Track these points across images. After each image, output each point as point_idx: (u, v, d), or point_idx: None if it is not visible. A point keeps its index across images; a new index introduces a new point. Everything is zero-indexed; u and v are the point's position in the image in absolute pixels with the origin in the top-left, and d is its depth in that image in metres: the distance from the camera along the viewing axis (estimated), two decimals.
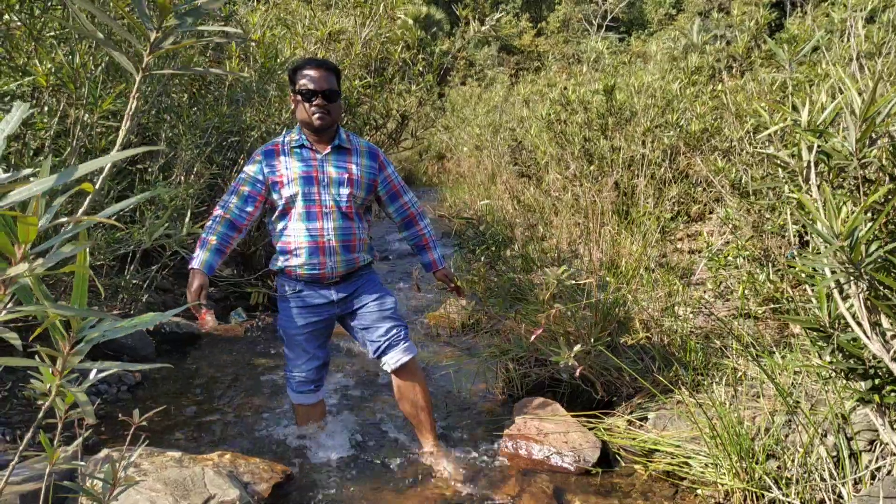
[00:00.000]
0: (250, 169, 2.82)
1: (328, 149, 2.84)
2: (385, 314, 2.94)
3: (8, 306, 0.80)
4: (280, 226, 2.85)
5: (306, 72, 2.74)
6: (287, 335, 2.96)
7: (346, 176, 2.83)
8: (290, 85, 2.84)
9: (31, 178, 0.71)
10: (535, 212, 6.60)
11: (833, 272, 1.84)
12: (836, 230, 1.74)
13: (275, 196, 2.80)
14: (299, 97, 2.77)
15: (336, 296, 2.92)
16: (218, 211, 2.79)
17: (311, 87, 2.73)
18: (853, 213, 1.79)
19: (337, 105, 2.81)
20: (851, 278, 1.81)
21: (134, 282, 3.91)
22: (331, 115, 2.78)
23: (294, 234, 2.80)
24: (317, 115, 2.74)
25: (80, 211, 0.97)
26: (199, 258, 2.69)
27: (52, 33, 3.03)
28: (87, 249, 0.80)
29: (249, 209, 2.79)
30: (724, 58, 6.51)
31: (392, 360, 2.91)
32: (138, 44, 1.00)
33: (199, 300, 2.63)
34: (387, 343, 2.91)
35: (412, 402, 2.97)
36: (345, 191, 2.82)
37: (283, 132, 2.97)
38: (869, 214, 2.05)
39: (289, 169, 2.79)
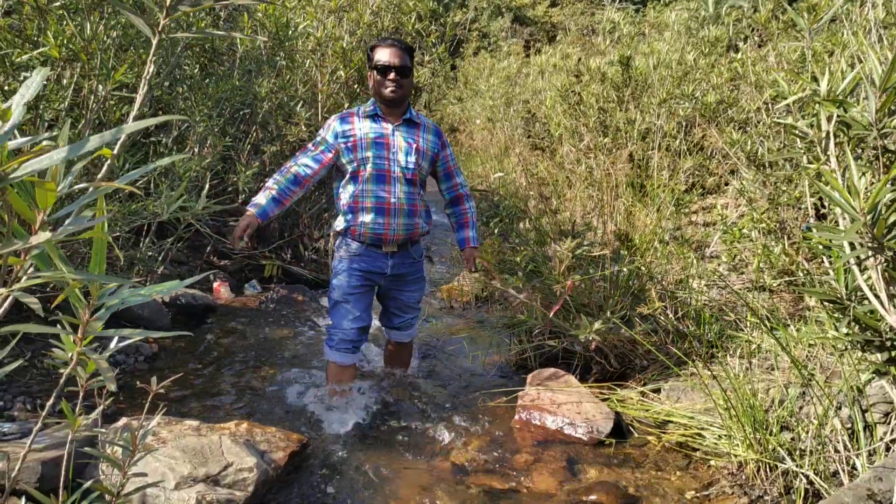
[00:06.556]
0: (323, 133, 3.05)
1: (399, 121, 3.07)
2: (412, 305, 3.34)
3: (29, 272, 0.81)
4: (350, 188, 3.04)
5: (382, 49, 2.96)
6: (338, 294, 3.12)
7: (413, 146, 3.06)
8: (368, 62, 3.05)
9: (48, 143, 0.71)
10: (549, 184, 6.56)
11: (854, 247, 1.82)
12: (860, 205, 1.71)
13: (346, 158, 3.00)
14: (375, 72, 2.99)
15: (390, 271, 3.15)
16: (287, 163, 3.02)
17: (385, 62, 2.94)
18: (872, 184, 1.76)
19: (408, 81, 3.03)
20: (872, 252, 1.79)
21: (149, 254, 3.94)
22: (402, 90, 2.99)
23: (363, 196, 3.00)
24: (390, 89, 2.96)
25: (99, 177, 0.97)
26: (256, 203, 2.91)
27: (59, 2, 3.01)
28: (105, 216, 0.80)
29: (315, 167, 3.00)
30: (744, 26, 6.39)
31: (395, 338, 3.44)
32: (154, 6, 1.00)
33: (241, 237, 2.80)
34: (399, 327, 3.37)
35: (395, 362, 3.58)
36: (412, 159, 3.04)
37: (355, 106, 3.18)
38: (890, 185, 2.01)
39: (362, 132, 3.00)
